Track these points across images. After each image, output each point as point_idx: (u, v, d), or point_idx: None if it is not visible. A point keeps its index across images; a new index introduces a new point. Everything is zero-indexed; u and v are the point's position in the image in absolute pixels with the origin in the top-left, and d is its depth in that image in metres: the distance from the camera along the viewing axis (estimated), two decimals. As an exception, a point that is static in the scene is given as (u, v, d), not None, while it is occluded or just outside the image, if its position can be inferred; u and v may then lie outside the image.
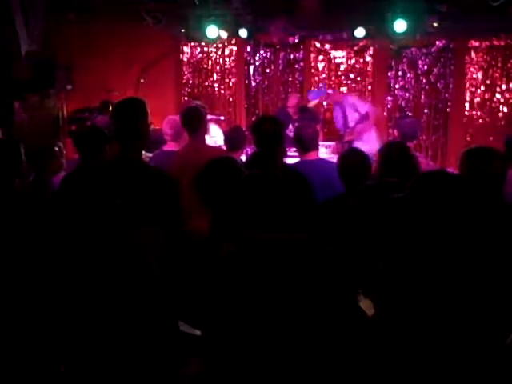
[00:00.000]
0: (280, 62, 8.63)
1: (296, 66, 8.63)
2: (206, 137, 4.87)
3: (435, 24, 7.06)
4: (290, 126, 6.38)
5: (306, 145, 4.01)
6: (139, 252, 2.12)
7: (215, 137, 6.16)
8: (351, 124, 6.46)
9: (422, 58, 8.28)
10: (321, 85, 7.69)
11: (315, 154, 4.07)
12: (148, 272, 2.12)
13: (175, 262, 2.39)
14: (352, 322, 2.06)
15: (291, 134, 5.00)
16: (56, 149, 4.10)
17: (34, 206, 2.57)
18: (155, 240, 2.16)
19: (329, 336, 1.96)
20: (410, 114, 8.18)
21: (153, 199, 2.57)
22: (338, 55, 8.50)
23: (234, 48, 8.55)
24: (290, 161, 4.38)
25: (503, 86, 8.03)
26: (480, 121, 8.18)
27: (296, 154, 4.36)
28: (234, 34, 7.75)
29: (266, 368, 1.93)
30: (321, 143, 5.15)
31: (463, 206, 2.12)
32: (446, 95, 8.28)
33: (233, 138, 4.64)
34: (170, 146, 4.59)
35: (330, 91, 7.75)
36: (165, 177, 2.82)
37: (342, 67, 8.52)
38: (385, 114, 8.40)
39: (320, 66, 8.53)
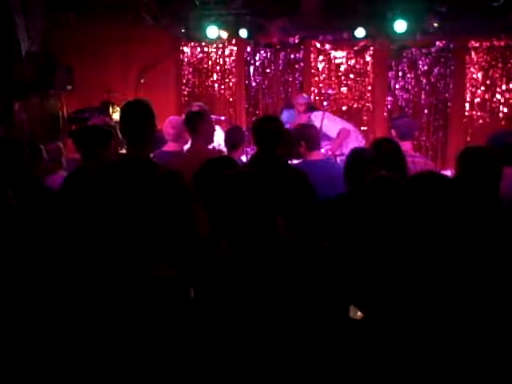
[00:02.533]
0: (280, 62, 8.62)
1: (296, 67, 8.61)
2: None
3: (435, 24, 7.07)
4: None
5: (310, 144, 4.01)
6: (149, 246, 2.11)
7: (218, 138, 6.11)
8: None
9: (422, 59, 8.27)
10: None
11: (318, 153, 4.07)
12: (157, 268, 2.12)
13: (186, 259, 2.40)
14: (341, 322, 2.06)
15: None
16: (42, 147, 4.06)
17: (34, 204, 2.57)
18: (165, 235, 2.16)
19: (318, 336, 1.97)
20: (408, 114, 8.17)
21: (163, 196, 2.59)
22: (338, 55, 8.49)
23: (234, 48, 8.54)
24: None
25: (503, 87, 8.03)
26: (480, 121, 8.18)
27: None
28: (234, 34, 7.75)
29: (257, 367, 1.94)
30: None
31: (456, 208, 2.11)
32: (446, 95, 8.27)
33: (231, 137, 4.65)
34: (170, 147, 4.60)
35: (330, 91, 7.80)
36: (174, 174, 2.87)
37: (342, 67, 8.51)
38: (385, 114, 8.40)
39: (320, 66, 8.52)
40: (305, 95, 7.23)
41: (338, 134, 6.15)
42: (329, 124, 6.27)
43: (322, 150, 5.26)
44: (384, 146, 3.50)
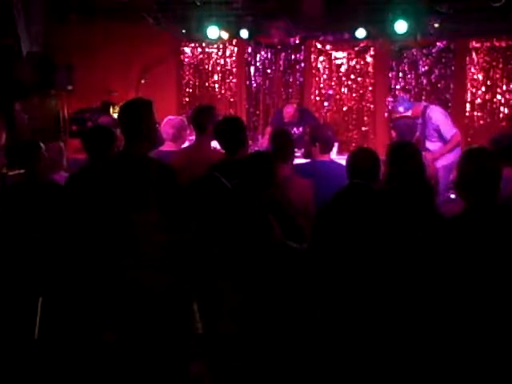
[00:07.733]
0: (281, 62, 8.63)
1: (297, 67, 8.63)
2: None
3: (436, 25, 7.06)
4: (295, 129, 6.49)
5: (326, 146, 4.00)
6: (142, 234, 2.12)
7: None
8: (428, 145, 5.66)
9: (423, 59, 8.28)
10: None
11: (328, 156, 4.06)
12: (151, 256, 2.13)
13: (181, 247, 2.41)
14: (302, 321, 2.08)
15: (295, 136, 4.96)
16: (42, 145, 4.03)
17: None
18: (157, 223, 2.17)
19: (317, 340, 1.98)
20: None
21: (153, 186, 2.61)
22: (339, 56, 8.49)
23: (235, 49, 8.55)
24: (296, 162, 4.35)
25: (504, 87, 8.03)
26: (481, 122, 8.17)
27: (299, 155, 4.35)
28: (234, 34, 7.76)
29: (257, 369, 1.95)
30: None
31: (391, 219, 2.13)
32: (447, 96, 8.27)
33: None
34: (168, 147, 4.58)
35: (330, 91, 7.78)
36: (168, 169, 2.88)
37: (343, 68, 8.52)
38: (386, 114, 8.40)
39: (321, 66, 8.53)
40: (294, 105, 7.06)
41: (451, 138, 5.60)
42: (445, 121, 5.80)
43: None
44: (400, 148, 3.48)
